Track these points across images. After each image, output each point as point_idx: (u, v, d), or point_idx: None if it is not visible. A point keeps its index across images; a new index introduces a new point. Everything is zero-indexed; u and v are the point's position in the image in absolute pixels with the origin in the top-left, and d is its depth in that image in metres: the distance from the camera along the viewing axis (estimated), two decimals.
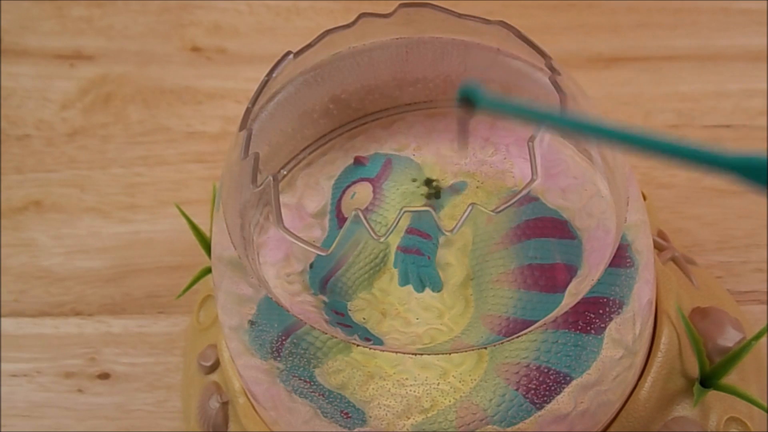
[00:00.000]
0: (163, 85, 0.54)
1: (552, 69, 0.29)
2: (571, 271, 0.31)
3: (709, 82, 0.51)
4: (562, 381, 0.31)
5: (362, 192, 0.34)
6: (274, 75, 0.31)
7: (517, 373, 0.31)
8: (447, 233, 0.27)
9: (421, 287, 0.31)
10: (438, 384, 0.31)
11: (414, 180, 0.34)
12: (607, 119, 0.19)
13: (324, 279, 0.32)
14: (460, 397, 0.30)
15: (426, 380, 0.31)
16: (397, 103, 0.36)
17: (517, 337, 0.30)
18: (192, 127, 0.52)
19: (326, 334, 0.31)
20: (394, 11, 0.31)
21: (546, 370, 0.30)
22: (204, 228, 0.40)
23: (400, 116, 0.36)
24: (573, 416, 0.31)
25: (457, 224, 0.27)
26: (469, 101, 0.22)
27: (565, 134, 0.21)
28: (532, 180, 0.27)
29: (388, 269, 0.32)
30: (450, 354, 0.31)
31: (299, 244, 0.28)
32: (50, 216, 0.49)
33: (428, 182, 0.34)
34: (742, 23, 0.53)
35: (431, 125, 0.36)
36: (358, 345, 0.31)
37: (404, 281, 0.32)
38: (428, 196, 0.34)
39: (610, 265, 0.30)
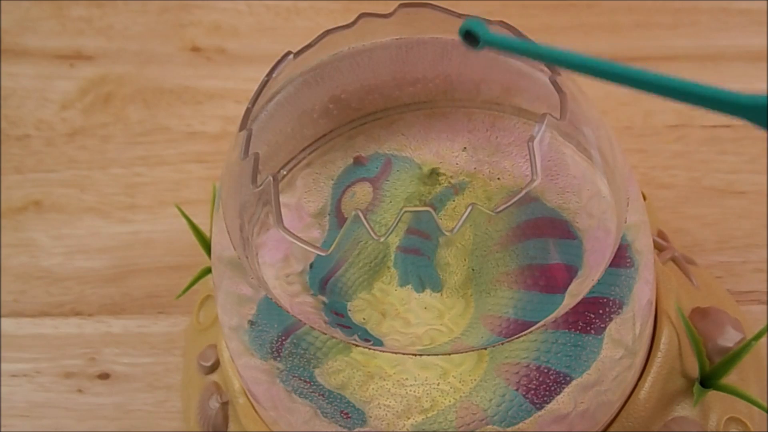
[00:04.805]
0: (163, 85, 0.54)
1: (552, 69, 0.29)
2: (571, 271, 0.31)
3: (709, 82, 0.50)
4: (562, 381, 0.30)
5: (362, 192, 0.34)
6: (273, 75, 0.31)
7: (517, 373, 0.31)
8: (447, 233, 0.27)
9: (420, 287, 0.31)
10: (438, 384, 0.31)
11: (415, 179, 0.34)
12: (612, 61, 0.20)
13: (324, 279, 0.32)
14: (460, 397, 0.30)
15: (426, 380, 0.31)
16: (397, 103, 0.36)
17: (518, 337, 0.30)
18: (192, 127, 0.52)
19: (326, 334, 0.31)
20: (394, 11, 0.31)
21: (546, 371, 0.30)
22: (204, 228, 0.40)
23: (400, 116, 0.36)
24: (573, 416, 0.31)
25: (457, 224, 0.27)
26: (472, 36, 0.22)
27: (569, 71, 0.22)
28: (532, 180, 0.27)
29: (388, 269, 0.32)
30: (450, 354, 0.31)
31: (299, 244, 0.28)
32: (50, 216, 0.49)
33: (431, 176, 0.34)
34: (742, 23, 0.53)
35: (431, 125, 0.36)
36: (357, 345, 0.31)
37: (404, 281, 0.32)
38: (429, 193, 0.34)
39: (610, 265, 0.30)
